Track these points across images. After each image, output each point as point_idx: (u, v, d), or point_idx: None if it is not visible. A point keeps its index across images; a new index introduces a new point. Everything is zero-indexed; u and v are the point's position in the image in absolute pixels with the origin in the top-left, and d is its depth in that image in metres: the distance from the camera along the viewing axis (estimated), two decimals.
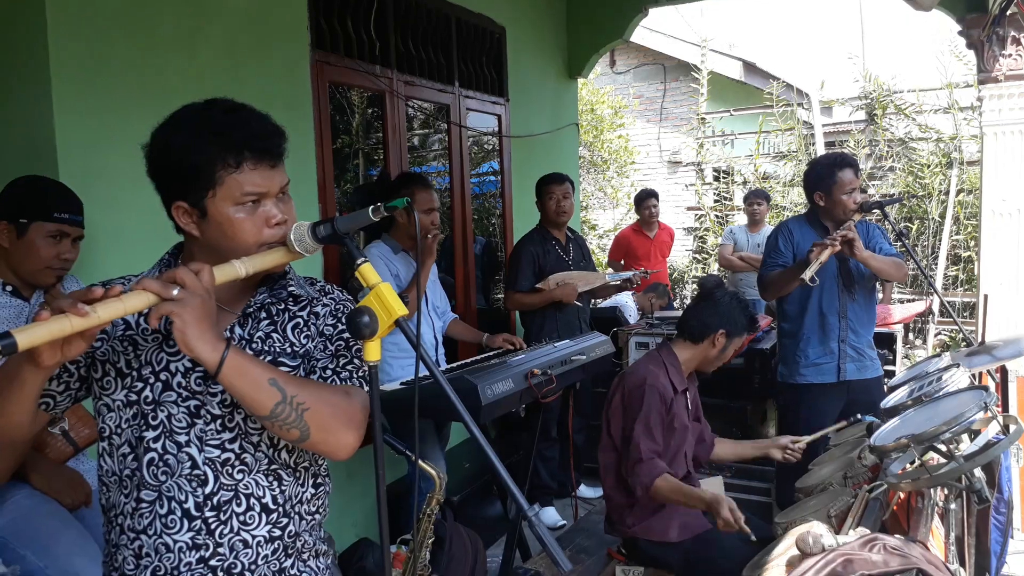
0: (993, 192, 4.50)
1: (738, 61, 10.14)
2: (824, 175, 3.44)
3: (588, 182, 9.29)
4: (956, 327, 5.30)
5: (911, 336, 6.67)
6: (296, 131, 3.24)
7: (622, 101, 9.61)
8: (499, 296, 5.44)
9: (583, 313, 4.25)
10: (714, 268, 8.20)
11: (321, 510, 1.45)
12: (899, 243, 3.61)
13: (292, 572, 1.37)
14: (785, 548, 1.80)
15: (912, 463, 2.11)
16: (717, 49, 9.82)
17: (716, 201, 9.04)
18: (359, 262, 1.28)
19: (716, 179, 9.18)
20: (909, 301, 6.65)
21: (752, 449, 2.93)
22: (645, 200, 6.40)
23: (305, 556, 1.40)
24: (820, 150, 7.90)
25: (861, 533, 1.94)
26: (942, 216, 7.09)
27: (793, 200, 8.07)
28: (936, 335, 6.70)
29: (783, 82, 8.66)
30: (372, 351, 1.34)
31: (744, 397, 4.21)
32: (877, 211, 3.49)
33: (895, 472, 2.11)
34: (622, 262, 6.58)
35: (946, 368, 2.29)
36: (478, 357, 3.32)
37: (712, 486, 3.07)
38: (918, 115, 7.50)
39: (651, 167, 10.32)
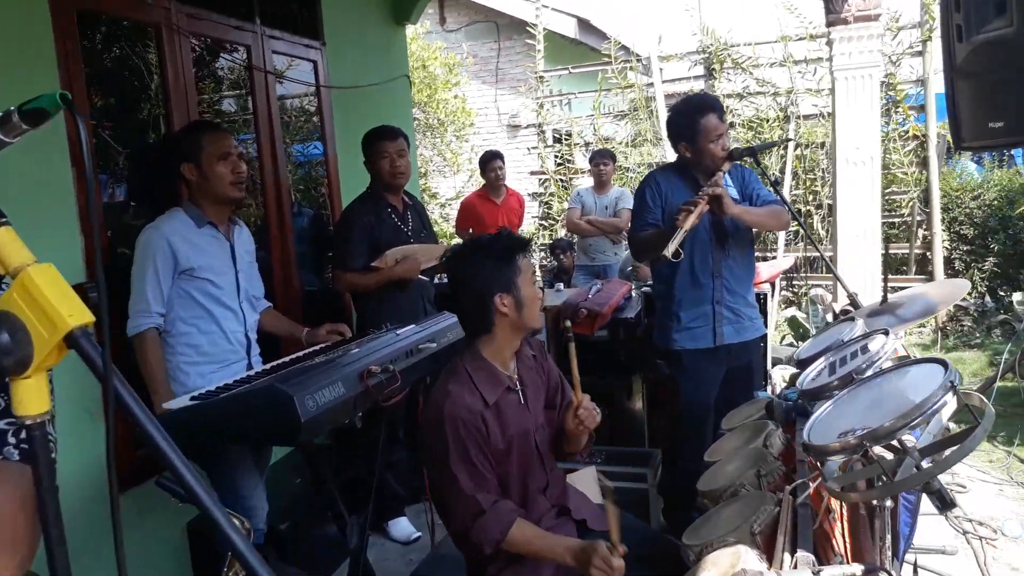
0: (846, 140, 4.33)
1: (572, 18, 9.80)
2: (685, 123, 3.03)
3: (425, 146, 8.65)
4: (829, 284, 5.23)
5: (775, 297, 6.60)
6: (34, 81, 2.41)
7: (456, 59, 9.00)
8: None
9: (427, 291, 3.65)
10: (561, 234, 7.85)
11: None
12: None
13: None
14: None
15: (853, 462, 1.71)
16: (550, 5, 9.42)
17: (559, 165, 8.67)
18: None
19: (557, 141, 8.81)
20: (772, 258, 6.60)
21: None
22: (490, 162, 5.89)
23: None
24: (661, 107, 7.69)
25: (805, 559, 1.52)
26: (781, 171, 7.08)
27: (636, 160, 7.84)
28: (806, 294, 6.69)
29: (619, 42, 8.40)
30: (29, 397, 0.74)
31: (611, 373, 3.80)
32: (748, 158, 3.14)
33: (833, 473, 1.71)
34: (471, 231, 6.05)
35: (868, 336, 1.91)
36: (299, 354, 2.65)
37: (583, 481, 2.60)
38: (755, 69, 7.45)
39: (490, 131, 9.83)
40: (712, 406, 3.13)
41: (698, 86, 7.72)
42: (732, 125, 7.42)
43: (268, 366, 2.50)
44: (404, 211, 3.56)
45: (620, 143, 7.96)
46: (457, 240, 5.97)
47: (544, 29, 8.75)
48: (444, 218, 8.35)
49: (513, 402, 2.03)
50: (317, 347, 2.72)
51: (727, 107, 7.49)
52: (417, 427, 3.26)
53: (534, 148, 8.65)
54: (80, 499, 2.56)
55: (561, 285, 5.20)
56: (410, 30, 6.55)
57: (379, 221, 3.43)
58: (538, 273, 6.58)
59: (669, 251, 2.69)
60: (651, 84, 7.86)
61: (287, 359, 2.60)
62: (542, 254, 8.23)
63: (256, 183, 3.86)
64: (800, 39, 7.20)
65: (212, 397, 2.13)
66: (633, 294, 4.23)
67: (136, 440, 2.79)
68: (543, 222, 8.52)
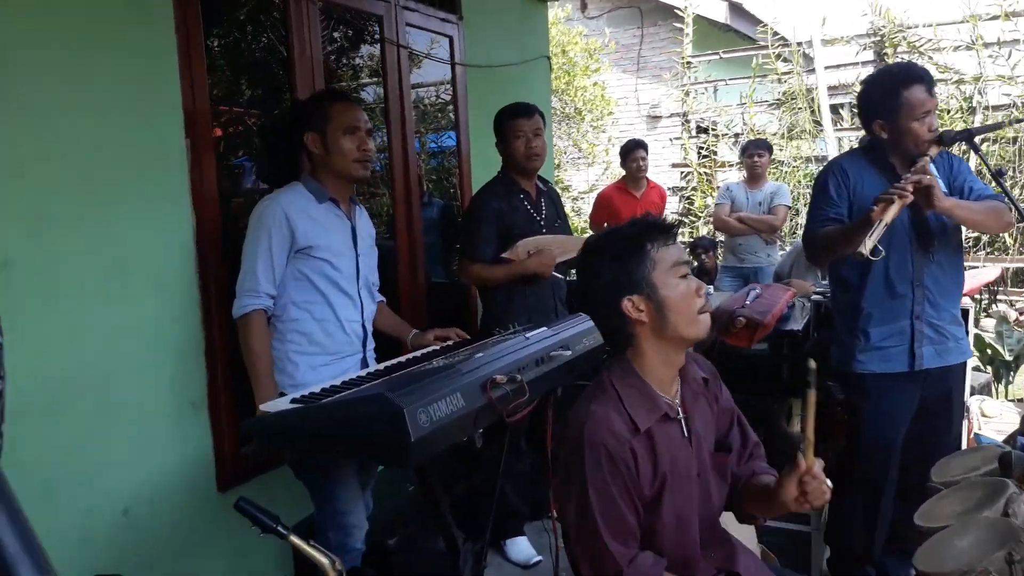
0: None
1: (723, 2, 9.14)
2: (883, 96, 2.47)
3: (560, 136, 8.27)
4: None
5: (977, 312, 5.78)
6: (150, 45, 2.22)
7: (598, 43, 8.56)
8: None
9: (559, 289, 3.27)
10: (703, 232, 7.28)
11: None
12: (995, 187, 2.69)
13: None
14: None
15: None
16: None
17: (703, 158, 8.07)
18: None
19: (702, 132, 8.21)
20: (973, 267, 5.77)
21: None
22: (632, 151, 5.44)
23: None
24: (822, 96, 6.96)
25: None
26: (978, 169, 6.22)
27: (791, 154, 7.14)
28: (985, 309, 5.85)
29: (773, 29, 7.69)
30: None
31: (770, 393, 3.28)
32: (962, 143, 2.55)
33: None
34: (605, 225, 5.64)
35: None
36: (417, 354, 2.34)
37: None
38: (936, 53, 6.58)
39: (628, 122, 9.33)
40: (899, 444, 2.58)
41: (866, 73, 6.93)
42: None
43: (383, 366, 2.20)
44: (537, 198, 3.20)
45: (773, 134, 7.28)
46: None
47: (692, 13, 8.17)
48: (576, 212, 7.95)
49: (672, 434, 1.60)
50: (437, 347, 2.40)
51: None
52: (539, 434, 2.89)
53: (677, 139, 8.09)
54: (182, 496, 2.37)
55: (711, 288, 4.68)
56: (550, 14, 6.21)
57: (511, 208, 3.09)
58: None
59: (867, 248, 2.19)
60: (812, 71, 7.13)
61: (404, 358, 2.30)
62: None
63: (384, 167, 3.62)
64: (992, 18, 6.29)
65: (313, 401, 1.85)
66: (797, 301, 3.68)
67: (241, 438, 2.57)
68: (683, 218, 7.95)
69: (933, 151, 2.48)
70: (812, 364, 1.63)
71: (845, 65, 7.12)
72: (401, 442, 1.56)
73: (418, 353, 2.35)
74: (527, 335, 2.23)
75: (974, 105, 6.34)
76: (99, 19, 2.11)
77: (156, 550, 2.27)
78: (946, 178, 2.59)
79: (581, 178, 8.86)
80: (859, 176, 2.58)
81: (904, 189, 2.27)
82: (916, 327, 2.54)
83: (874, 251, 2.21)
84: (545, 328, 2.33)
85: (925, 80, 2.46)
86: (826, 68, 7.11)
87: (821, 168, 2.81)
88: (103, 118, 2.10)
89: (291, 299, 2.25)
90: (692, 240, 6.26)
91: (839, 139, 7.12)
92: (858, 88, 6.61)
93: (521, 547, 3.22)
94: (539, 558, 3.18)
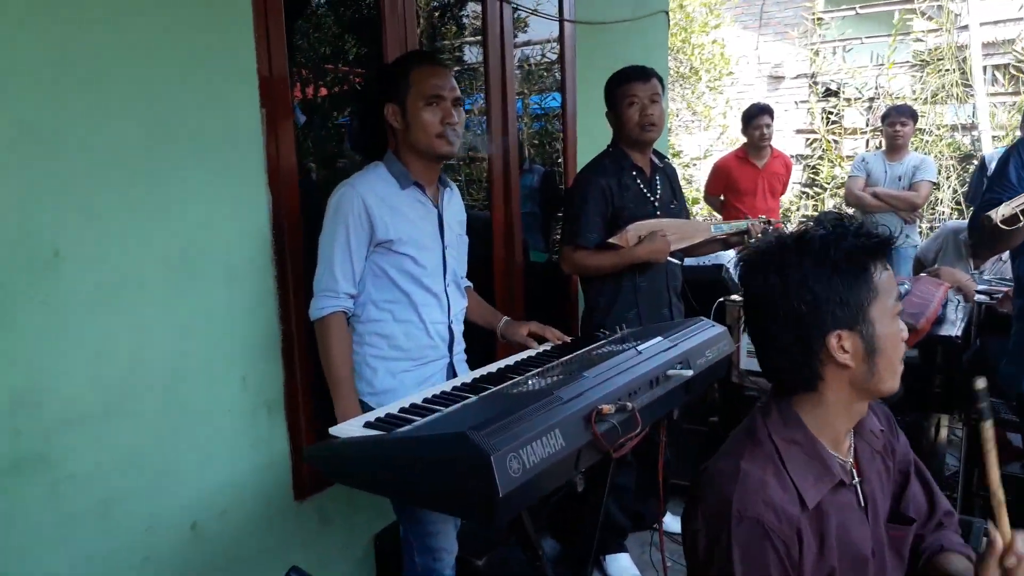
0: None
1: None
2: None
3: (673, 98, 7.71)
4: None
5: None
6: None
7: None
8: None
9: (674, 278, 2.90)
10: (830, 206, 6.64)
11: None
12: None
13: None
14: None
15: None
16: None
17: (831, 124, 7.35)
18: None
19: (831, 95, 7.47)
20: None
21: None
22: (756, 117, 4.93)
23: None
24: (976, 55, 6.15)
25: None
26: None
27: (934, 122, 6.38)
28: None
29: None
30: None
31: (918, 407, 2.82)
32: None
33: None
34: (721, 197, 5.18)
35: None
36: (511, 362, 2.04)
37: None
38: None
39: (747, 82, 8.65)
40: None
41: None
42: None
43: (471, 378, 1.92)
44: (652, 175, 2.81)
45: (914, 100, 6.52)
46: (716, 217, 5.10)
47: None
48: (688, 180, 7.41)
49: (845, 505, 1.24)
50: (532, 354, 2.10)
51: None
52: (646, 445, 2.54)
53: (803, 102, 7.40)
54: (256, 506, 2.18)
55: None
56: None
57: (621, 187, 2.72)
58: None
59: (998, 214, 1.77)
60: (965, 27, 6.30)
61: (496, 367, 2.01)
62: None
63: (483, 131, 3.30)
64: None
65: (390, 427, 1.59)
66: (950, 298, 3.17)
67: (320, 438, 2.36)
68: (807, 190, 7.29)
69: None
70: (981, 384, 1.23)
71: (1005, 21, 6.25)
72: (487, 497, 1.27)
73: (512, 361, 2.05)
74: (639, 347, 1.89)
75: None
76: None
77: (227, 567, 2.09)
78: None
79: (693, 142, 8.29)
80: None
81: None
82: None
83: (1013, 219, 1.77)
84: (660, 338, 1.98)
85: None
86: (981, 24, 6.26)
87: (1005, 150, 2.32)
88: (166, 87, 1.87)
89: (370, 298, 1.99)
90: (817, 216, 5.69)
91: (992, 104, 6.30)
92: (1019, 50, 5.78)
93: (622, 565, 2.92)
94: None
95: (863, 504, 1.27)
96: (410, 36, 2.66)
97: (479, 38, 3.26)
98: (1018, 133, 4.32)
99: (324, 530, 2.43)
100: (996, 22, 6.46)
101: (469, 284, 2.30)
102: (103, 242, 1.75)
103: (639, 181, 2.76)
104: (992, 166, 4.51)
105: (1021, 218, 1.92)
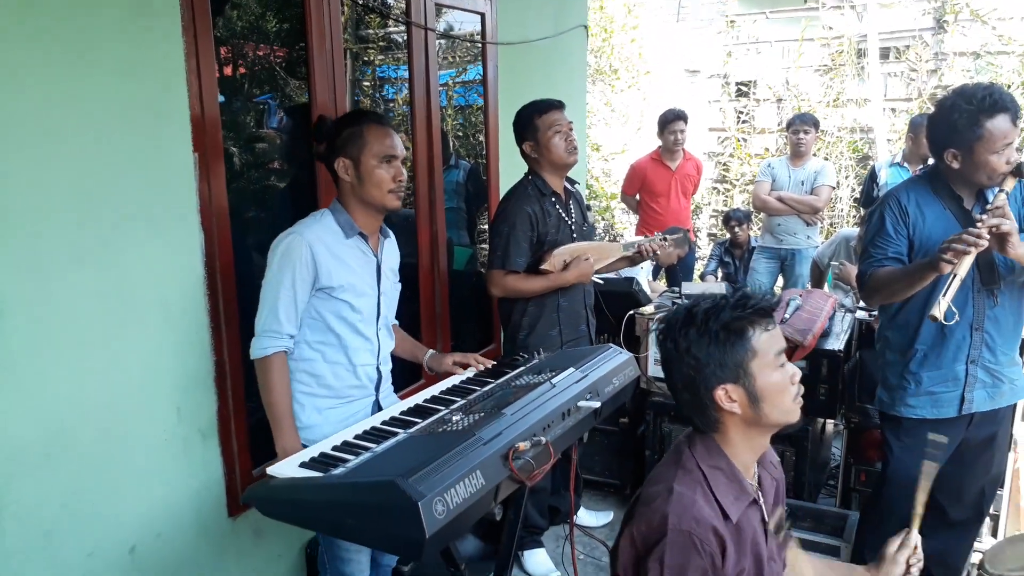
0: None
1: None
2: (964, 126, 2.21)
3: (593, 95, 7.94)
4: None
5: None
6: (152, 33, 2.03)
7: None
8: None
9: (589, 296, 3.11)
10: (739, 202, 7.01)
11: None
12: None
13: None
14: None
15: None
16: None
17: (743, 122, 7.72)
18: None
19: (742, 95, 7.83)
20: None
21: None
22: (671, 123, 5.18)
23: None
24: (874, 62, 6.57)
25: None
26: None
27: (836, 124, 6.79)
28: None
29: None
30: None
31: (804, 412, 3.11)
32: None
33: None
34: (636, 196, 5.45)
35: None
36: (435, 393, 2.20)
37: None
38: (999, 23, 6.14)
39: (665, 77, 8.93)
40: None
41: (923, 41, 6.51)
42: None
43: (399, 411, 2.07)
44: (567, 200, 3.00)
45: (819, 102, 6.92)
46: (625, 236, 5.33)
47: None
48: (606, 174, 7.67)
49: (755, 521, 1.50)
50: (455, 383, 2.26)
51: (958, 68, 6.28)
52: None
53: (715, 101, 7.74)
54: (191, 526, 2.29)
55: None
56: None
57: (544, 214, 2.89)
58: (716, 275, 5.77)
59: (940, 312, 2.01)
60: (864, 37, 6.71)
61: (422, 401, 2.16)
62: (712, 221, 7.44)
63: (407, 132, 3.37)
64: None
65: (324, 467, 1.73)
66: (836, 312, 3.49)
67: (253, 459, 2.48)
68: (718, 185, 7.67)
69: (1009, 184, 2.26)
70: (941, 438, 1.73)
71: (900, 32, 6.69)
72: (416, 538, 1.44)
73: (436, 391, 2.21)
74: (553, 380, 2.09)
75: None
76: (92, 20, 1.92)
77: None
78: (1017, 211, 2.37)
79: (613, 137, 8.55)
80: (920, 209, 2.37)
81: (979, 236, 2.06)
82: (970, 371, 2.38)
83: (947, 314, 2.03)
84: (572, 369, 2.18)
85: (1011, 109, 2.22)
86: (880, 35, 6.69)
87: (877, 201, 2.59)
88: (99, 135, 1.94)
89: (304, 338, 2.12)
90: (726, 212, 6.01)
91: (890, 110, 6.75)
92: (912, 58, 6.20)
93: (539, 560, 3.15)
94: (557, 573, 3.11)
95: (765, 520, 1.53)
96: (337, 69, 2.75)
97: (402, 29, 3.29)
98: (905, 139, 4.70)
99: (258, 543, 2.56)
100: (894, 33, 6.91)
101: (395, 323, 2.44)
102: (43, 289, 1.82)
103: (558, 207, 2.94)
104: (881, 174, 4.91)
105: (953, 310, 2.09)
